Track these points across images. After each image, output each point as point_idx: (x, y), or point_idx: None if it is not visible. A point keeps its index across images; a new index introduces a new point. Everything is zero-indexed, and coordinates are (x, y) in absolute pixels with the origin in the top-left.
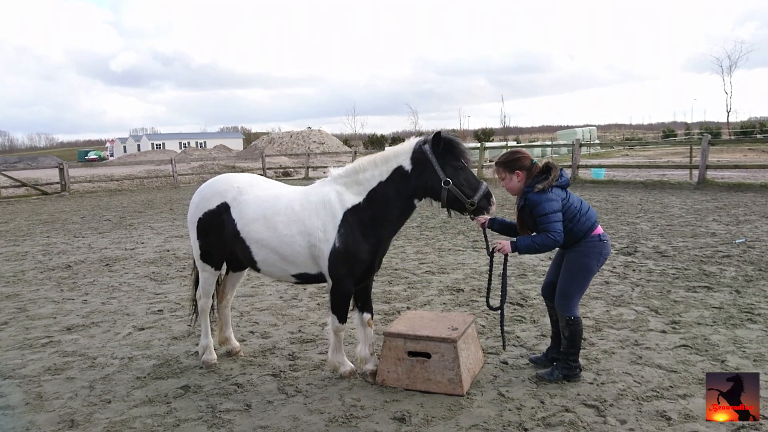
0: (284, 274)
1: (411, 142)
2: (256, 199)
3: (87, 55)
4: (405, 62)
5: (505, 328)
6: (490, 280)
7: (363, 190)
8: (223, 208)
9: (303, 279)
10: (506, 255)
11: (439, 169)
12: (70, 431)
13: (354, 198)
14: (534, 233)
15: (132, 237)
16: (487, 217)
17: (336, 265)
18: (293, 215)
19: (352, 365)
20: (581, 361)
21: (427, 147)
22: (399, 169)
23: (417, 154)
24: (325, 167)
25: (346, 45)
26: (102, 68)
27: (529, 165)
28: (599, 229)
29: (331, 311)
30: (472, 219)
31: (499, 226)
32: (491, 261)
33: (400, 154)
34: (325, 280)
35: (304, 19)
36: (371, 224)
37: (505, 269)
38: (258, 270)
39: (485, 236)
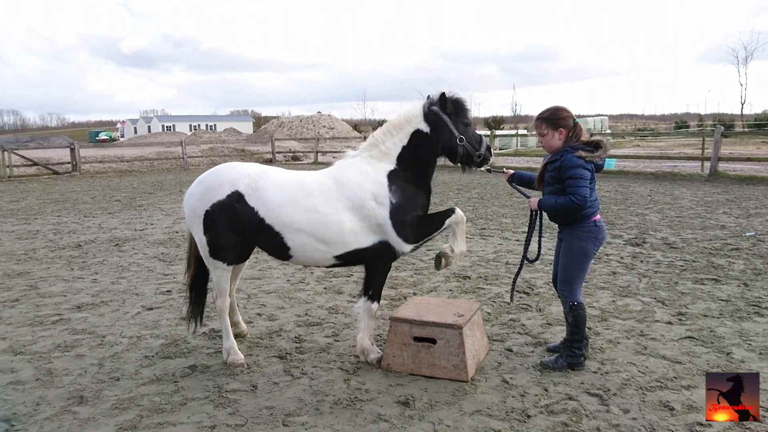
0: (324, 257)
1: (417, 106)
2: (278, 184)
3: (98, 36)
4: (415, 48)
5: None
6: (529, 233)
7: (391, 158)
8: (236, 198)
9: (347, 259)
10: (538, 212)
11: (453, 128)
12: (79, 407)
13: (388, 165)
14: (547, 187)
15: (142, 218)
16: (511, 171)
17: (400, 217)
18: (332, 194)
19: (380, 351)
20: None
21: (436, 109)
22: (418, 133)
23: (431, 117)
24: (335, 152)
25: (356, 30)
26: (112, 49)
27: (572, 125)
28: (597, 216)
29: (372, 294)
30: (489, 171)
31: (518, 179)
32: (531, 213)
33: (412, 119)
34: (371, 254)
35: (315, 4)
36: (415, 180)
37: (538, 224)
38: (288, 258)
39: (517, 188)
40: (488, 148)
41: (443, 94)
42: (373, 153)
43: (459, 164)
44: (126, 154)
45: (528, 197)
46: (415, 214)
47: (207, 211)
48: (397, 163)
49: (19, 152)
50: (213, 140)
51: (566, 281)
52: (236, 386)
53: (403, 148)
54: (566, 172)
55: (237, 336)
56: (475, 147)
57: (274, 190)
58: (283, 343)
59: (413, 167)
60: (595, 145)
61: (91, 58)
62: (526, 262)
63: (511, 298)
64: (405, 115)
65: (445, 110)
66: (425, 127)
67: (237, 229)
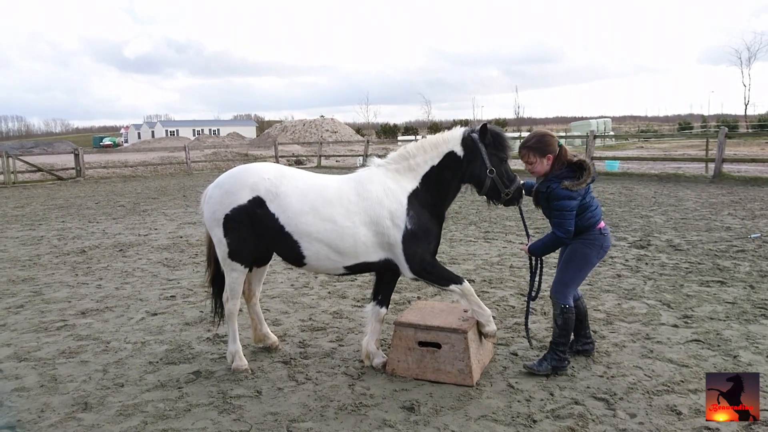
0: (335, 266)
1: (458, 130)
2: (299, 191)
3: (101, 41)
4: (417, 51)
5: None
6: (531, 272)
7: (417, 175)
8: (257, 203)
9: (355, 270)
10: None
11: (486, 159)
12: (83, 413)
13: (411, 183)
14: (544, 210)
15: (145, 223)
16: (521, 181)
17: (411, 245)
18: (352, 206)
19: (385, 356)
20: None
21: (475, 136)
22: (451, 154)
23: (467, 142)
24: (338, 156)
25: (358, 34)
26: (116, 54)
27: (558, 148)
28: (601, 224)
29: (381, 299)
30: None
31: (527, 188)
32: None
33: (449, 140)
34: (377, 268)
35: (317, 8)
36: (433, 205)
37: (538, 266)
38: (302, 265)
39: (523, 222)
40: (519, 190)
41: (485, 124)
42: (400, 166)
43: (485, 196)
44: (130, 160)
45: (528, 236)
46: (426, 247)
47: (227, 215)
48: (421, 182)
49: (24, 158)
50: (216, 145)
51: (561, 282)
52: (240, 392)
53: (432, 167)
54: (553, 203)
55: (269, 349)
56: (505, 183)
57: (294, 196)
58: (288, 348)
59: (435, 189)
60: (579, 166)
61: (95, 63)
62: (529, 301)
63: (529, 342)
64: (444, 135)
65: (484, 140)
66: (459, 151)
67: (256, 233)
